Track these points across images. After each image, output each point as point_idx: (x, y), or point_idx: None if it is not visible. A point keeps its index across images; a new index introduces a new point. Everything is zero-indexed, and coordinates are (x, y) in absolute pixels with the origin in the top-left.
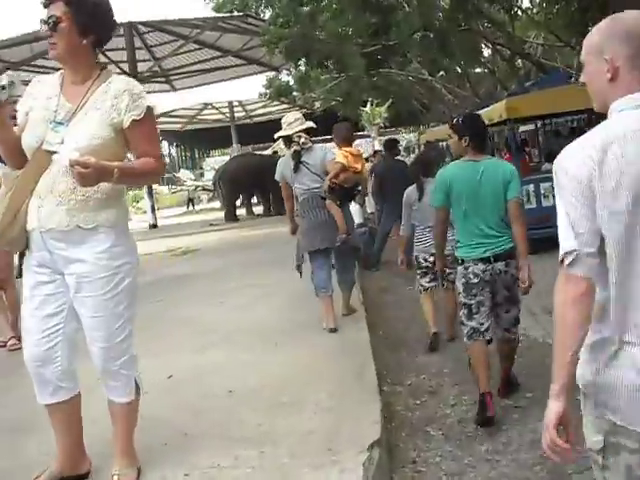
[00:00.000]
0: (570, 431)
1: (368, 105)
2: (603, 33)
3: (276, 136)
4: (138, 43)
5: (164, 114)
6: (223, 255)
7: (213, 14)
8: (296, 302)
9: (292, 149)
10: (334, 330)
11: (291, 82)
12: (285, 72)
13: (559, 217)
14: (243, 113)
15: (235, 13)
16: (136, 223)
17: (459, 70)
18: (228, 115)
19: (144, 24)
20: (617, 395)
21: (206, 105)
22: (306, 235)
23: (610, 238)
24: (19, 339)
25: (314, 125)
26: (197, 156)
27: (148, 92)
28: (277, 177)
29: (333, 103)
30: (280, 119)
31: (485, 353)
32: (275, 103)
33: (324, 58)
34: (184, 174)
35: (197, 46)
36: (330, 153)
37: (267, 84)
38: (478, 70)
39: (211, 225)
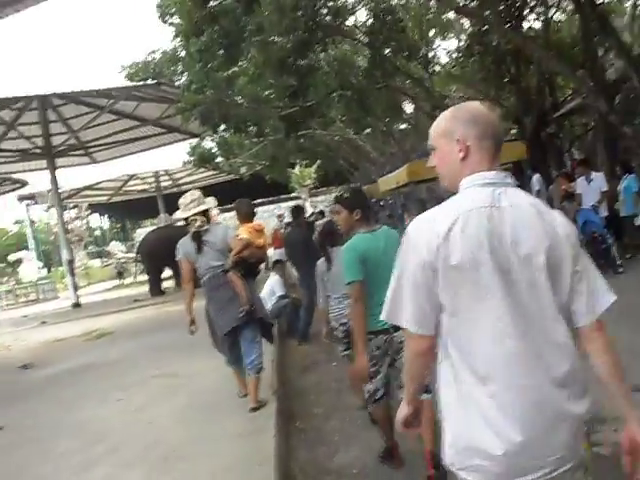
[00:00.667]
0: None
1: (297, 167)
2: (451, 119)
3: (173, 217)
4: (53, 117)
5: (88, 187)
6: (138, 337)
7: (127, 83)
8: (204, 399)
9: (191, 231)
10: (245, 395)
11: (214, 149)
12: (208, 138)
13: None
14: (170, 182)
15: (149, 81)
16: (62, 301)
17: (383, 128)
18: (154, 185)
19: (57, 96)
20: None
21: (131, 176)
22: (217, 318)
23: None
24: None
25: (212, 205)
26: (128, 227)
27: (66, 166)
28: (179, 256)
29: (259, 167)
30: (208, 186)
31: (387, 410)
32: (201, 170)
33: (242, 122)
34: (115, 246)
35: (115, 116)
36: (231, 230)
37: (190, 151)
38: (402, 126)
39: (135, 301)
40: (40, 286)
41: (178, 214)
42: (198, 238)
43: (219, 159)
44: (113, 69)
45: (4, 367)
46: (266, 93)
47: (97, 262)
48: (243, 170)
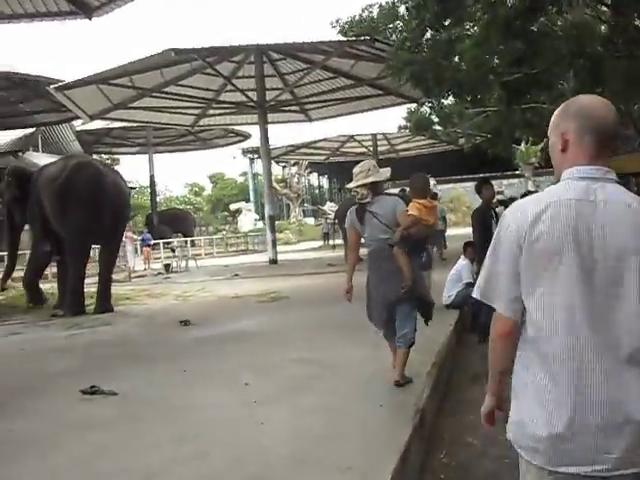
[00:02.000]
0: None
1: (522, 143)
2: (560, 111)
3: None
4: (268, 71)
5: (305, 145)
6: (307, 307)
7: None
8: (335, 404)
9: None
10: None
11: (433, 116)
12: (427, 105)
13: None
14: (387, 147)
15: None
16: (259, 257)
17: (620, 106)
18: (371, 148)
19: (274, 48)
20: None
21: (349, 137)
22: (375, 290)
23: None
24: None
25: (384, 177)
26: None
27: (281, 122)
28: (346, 225)
29: (480, 140)
30: (424, 155)
31: None
32: (420, 137)
33: (458, 87)
34: (329, 207)
35: (331, 74)
36: (401, 205)
37: (407, 117)
38: None
39: (329, 265)
40: (251, 237)
41: (349, 184)
42: (362, 209)
43: (437, 127)
44: (326, 24)
45: (167, 320)
46: (488, 57)
47: (311, 220)
48: (462, 141)
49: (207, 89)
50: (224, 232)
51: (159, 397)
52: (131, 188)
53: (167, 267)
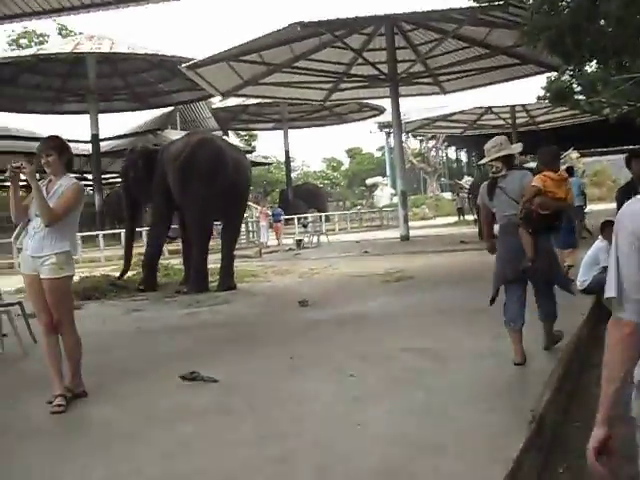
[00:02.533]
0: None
1: None
2: None
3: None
4: (399, 43)
5: (440, 118)
6: (432, 288)
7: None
8: (450, 404)
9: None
10: (520, 364)
11: (574, 85)
12: (567, 73)
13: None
14: (527, 118)
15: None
16: (392, 233)
17: None
18: (509, 121)
19: (406, 18)
20: None
21: (486, 110)
22: (499, 265)
23: None
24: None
25: (516, 151)
26: None
27: (413, 95)
28: (478, 200)
29: (628, 109)
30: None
31: None
32: (561, 108)
33: (601, 53)
34: (466, 181)
35: (464, 44)
36: (528, 177)
37: (546, 86)
38: None
39: (461, 242)
40: (386, 213)
41: (481, 161)
42: (493, 184)
43: (579, 97)
44: None
45: (285, 300)
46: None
47: (448, 195)
48: (607, 111)
49: (338, 63)
50: (359, 207)
51: (257, 387)
52: (267, 164)
53: (299, 243)
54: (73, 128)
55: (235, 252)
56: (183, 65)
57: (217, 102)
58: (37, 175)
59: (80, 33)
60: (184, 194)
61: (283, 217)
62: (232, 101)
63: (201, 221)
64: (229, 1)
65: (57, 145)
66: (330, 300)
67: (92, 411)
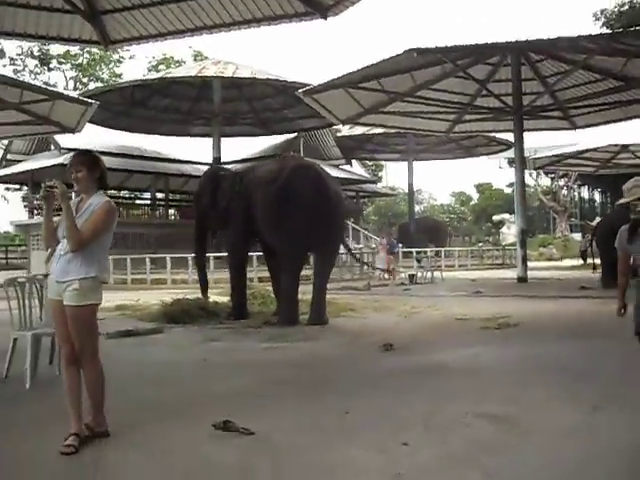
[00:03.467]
0: None
1: None
2: None
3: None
4: (525, 74)
5: (572, 155)
6: (533, 341)
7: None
8: None
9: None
10: None
11: None
12: None
13: None
14: None
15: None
16: (513, 272)
17: None
18: None
19: (533, 47)
20: None
21: (622, 147)
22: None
23: None
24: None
25: None
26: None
27: (539, 129)
28: (616, 244)
29: None
30: None
31: None
32: None
33: None
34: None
35: (598, 76)
36: None
37: None
38: None
39: (582, 288)
40: (509, 251)
41: (621, 200)
42: (635, 226)
43: None
44: (586, 19)
45: (371, 342)
46: None
47: (578, 236)
48: None
49: (462, 93)
50: (481, 244)
51: (294, 447)
52: (392, 195)
53: (411, 277)
54: (198, 150)
55: (344, 283)
56: (300, 90)
57: (343, 130)
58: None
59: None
60: (278, 222)
61: (398, 250)
62: (357, 130)
63: (295, 251)
64: (350, 26)
65: (87, 160)
66: (418, 345)
67: (105, 455)
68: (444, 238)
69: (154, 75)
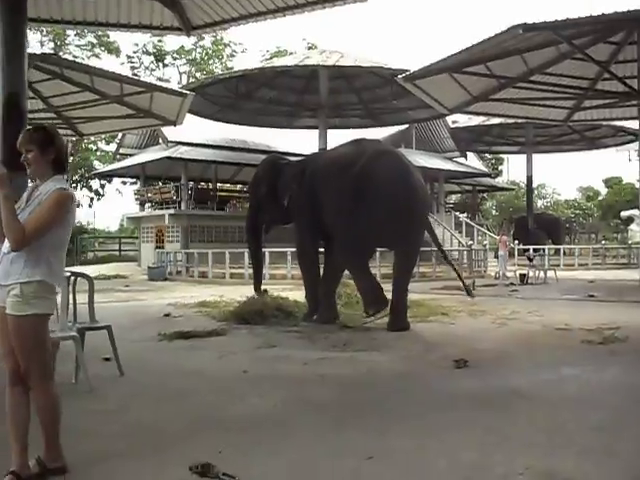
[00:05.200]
0: None
1: None
2: None
3: None
4: None
5: None
6: (638, 363)
7: None
8: None
9: None
10: None
11: None
12: None
13: None
14: None
15: None
16: (637, 273)
17: None
18: None
19: None
20: None
21: None
22: None
23: None
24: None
25: None
26: None
27: None
28: None
29: None
30: None
31: None
32: None
33: None
34: None
35: None
36: None
37: None
38: None
39: None
40: (635, 250)
41: None
42: None
43: None
44: None
45: (445, 355)
46: None
47: None
48: None
49: (581, 77)
50: (604, 242)
51: None
52: (510, 189)
53: (522, 277)
54: (305, 143)
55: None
56: (400, 76)
57: (459, 122)
58: None
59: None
60: (349, 210)
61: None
62: (473, 121)
63: (363, 245)
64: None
65: (38, 138)
66: (498, 362)
67: None
68: (561, 235)
69: (252, 66)
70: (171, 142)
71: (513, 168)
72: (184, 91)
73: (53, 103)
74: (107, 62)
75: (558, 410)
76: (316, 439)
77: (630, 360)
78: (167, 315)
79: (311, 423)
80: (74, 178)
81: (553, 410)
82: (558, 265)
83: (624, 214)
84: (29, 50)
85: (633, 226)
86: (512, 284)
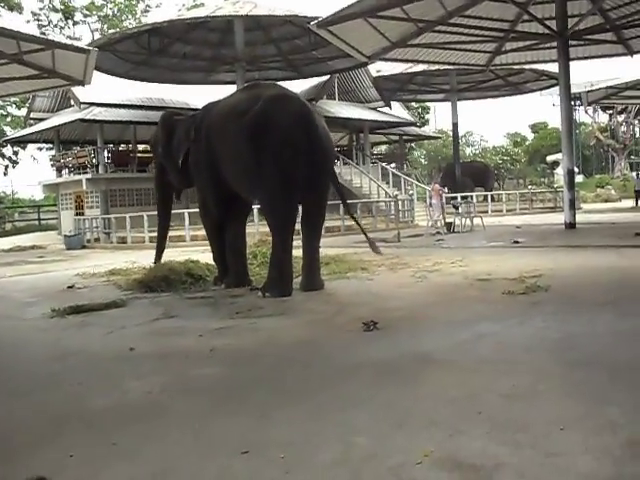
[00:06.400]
0: None
1: None
2: None
3: None
4: None
5: (630, 86)
6: (560, 313)
7: None
8: None
9: None
10: None
11: None
12: None
13: None
14: None
15: None
16: (562, 217)
17: None
18: None
19: None
20: None
21: None
22: None
23: None
24: None
25: None
26: None
27: (593, 57)
28: None
29: None
30: None
31: None
32: None
33: None
34: None
35: None
36: None
37: None
38: None
39: (636, 235)
40: (560, 194)
41: None
42: None
43: None
44: None
45: (354, 318)
46: None
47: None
48: None
49: (500, 19)
50: (530, 187)
51: None
52: (436, 137)
53: (449, 226)
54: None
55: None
56: (313, 23)
57: (383, 71)
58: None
59: None
60: (251, 167)
61: (445, 195)
62: (396, 68)
63: (282, 203)
64: None
65: None
66: (410, 321)
67: None
68: (490, 182)
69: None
70: (84, 104)
71: (440, 117)
72: (86, 47)
73: None
74: (9, 20)
75: (469, 376)
76: (185, 433)
77: (552, 311)
78: (71, 287)
79: (184, 412)
80: None
81: (464, 377)
82: (486, 212)
83: (550, 158)
84: None
85: (559, 170)
86: (438, 233)
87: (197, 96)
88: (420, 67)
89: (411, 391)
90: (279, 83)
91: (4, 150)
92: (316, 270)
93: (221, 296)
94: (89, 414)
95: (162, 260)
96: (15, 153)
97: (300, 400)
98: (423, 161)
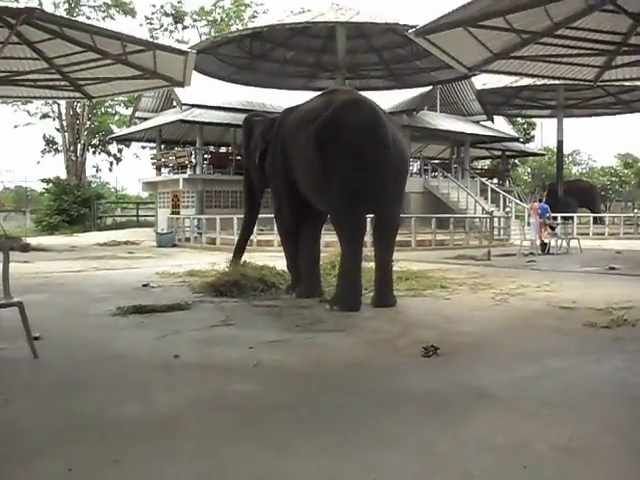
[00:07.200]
0: None
1: None
2: None
3: None
4: None
5: None
6: None
7: None
8: None
9: None
10: None
11: None
12: None
13: None
14: None
15: None
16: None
17: None
18: None
19: None
20: None
21: None
22: None
23: None
24: None
25: None
26: None
27: None
28: None
29: None
30: None
31: None
32: None
33: None
34: None
35: None
36: None
37: None
38: None
39: None
40: None
41: None
42: None
43: None
44: None
45: (421, 339)
46: None
47: None
48: None
49: (612, 32)
50: (636, 210)
51: None
52: (539, 154)
53: (544, 247)
54: None
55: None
56: (410, 31)
57: (488, 83)
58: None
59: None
60: (321, 175)
61: (549, 215)
62: (501, 82)
63: (350, 213)
64: None
65: None
66: (476, 350)
67: None
68: (596, 203)
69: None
70: (185, 105)
71: (547, 133)
72: (185, 49)
73: (57, 64)
74: (123, 24)
75: (522, 420)
76: (196, 456)
77: (635, 350)
78: (146, 285)
79: (203, 432)
80: (92, 142)
81: (516, 420)
82: (587, 234)
83: None
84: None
85: None
86: (531, 254)
87: (297, 102)
88: (526, 81)
89: (453, 432)
90: (379, 92)
91: (109, 147)
92: (387, 285)
93: (288, 306)
94: (104, 424)
95: (241, 263)
96: (120, 151)
97: (329, 431)
98: (527, 178)
